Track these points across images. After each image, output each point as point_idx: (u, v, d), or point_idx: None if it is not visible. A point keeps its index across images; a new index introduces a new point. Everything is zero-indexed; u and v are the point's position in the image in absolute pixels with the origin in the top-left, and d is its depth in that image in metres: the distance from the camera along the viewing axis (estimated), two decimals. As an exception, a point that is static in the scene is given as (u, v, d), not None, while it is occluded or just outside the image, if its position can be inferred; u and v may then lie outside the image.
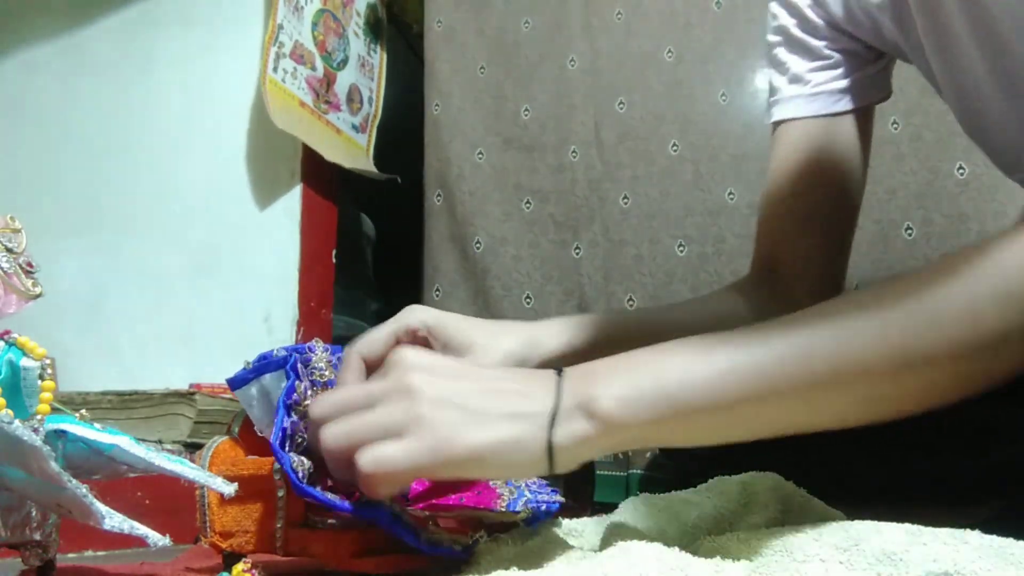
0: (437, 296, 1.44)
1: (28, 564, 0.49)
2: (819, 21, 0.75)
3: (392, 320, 0.57)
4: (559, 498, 0.60)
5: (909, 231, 1.22)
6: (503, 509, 0.55)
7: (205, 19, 1.40)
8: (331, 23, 1.43)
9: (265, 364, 0.52)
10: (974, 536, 0.39)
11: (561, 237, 1.40)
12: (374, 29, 1.57)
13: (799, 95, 0.76)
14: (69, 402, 0.98)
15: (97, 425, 0.50)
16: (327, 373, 0.53)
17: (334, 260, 1.44)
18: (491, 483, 0.58)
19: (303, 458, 0.47)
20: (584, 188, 1.40)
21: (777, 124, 0.78)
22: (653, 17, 1.42)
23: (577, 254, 1.39)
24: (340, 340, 1.49)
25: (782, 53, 0.78)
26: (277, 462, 0.46)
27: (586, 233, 1.39)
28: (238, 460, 0.52)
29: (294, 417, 0.49)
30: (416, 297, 1.47)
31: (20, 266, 0.49)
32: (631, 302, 1.35)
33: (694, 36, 1.40)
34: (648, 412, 0.43)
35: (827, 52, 0.75)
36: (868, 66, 0.76)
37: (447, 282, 1.44)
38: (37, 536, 0.48)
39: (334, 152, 1.37)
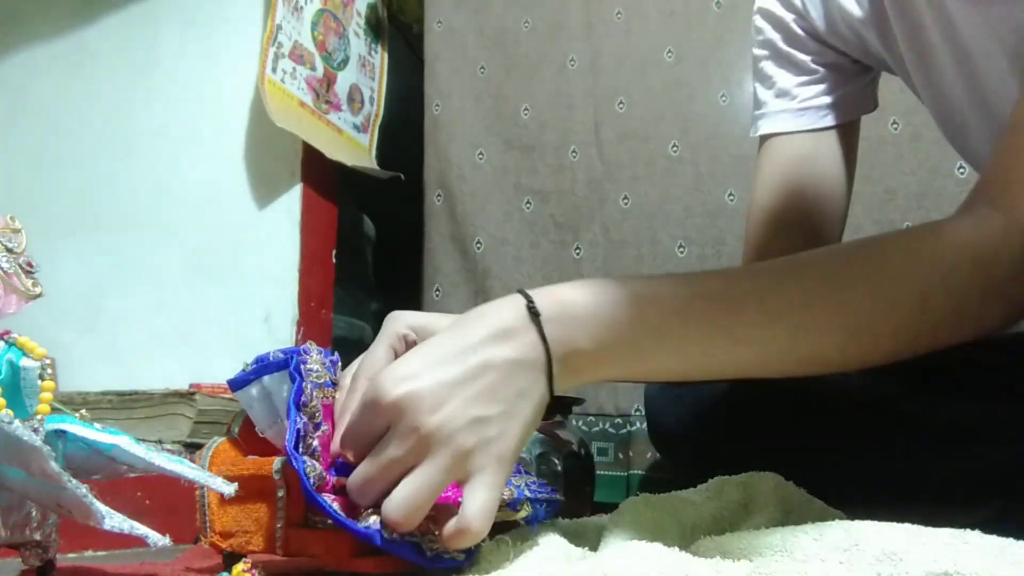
0: (437, 296, 1.44)
1: (28, 564, 0.49)
2: (804, 35, 0.76)
3: (381, 334, 0.58)
4: (559, 497, 0.60)
5: (909, 231, 1.22)
6: (503, 508, 0.55)
7: (205, 19, 1.40)
8: (331, 23, 1.43)
9: (265, 366, 0.52)
10: (974, 536, 0.39)
11: (561, 237, 1.40)
12: (375, 29, 1.57)
13: (785, 110, 0.76)
14: (69, 402, 0.98)
15: (97, 425, 0.50)
16: (323, 375, 0.53)
17: (334, 260, 1.44)
18: None
19: (315, 463, 0.47)
20: (584, 188, 1.40)
21: (763, 137, 0.78)
22: (653, 17, 1.42)
23: (578, 254, 1.39)
24: (340, 340, 1.49)
25: (768, 67, 0.78)
26: (291, 464, 0.47)
27: (586, 233, 1.39)
28: (238, 460, 0.52)
29: (304, 417, 0.49)
30: (416, 297, 1.47)
31: (20, 266, 0.49)
32: (631, 302, 1.35)
33: (694, 36, 1.40)
34: (620, 362, 0.47)
35: (813, 67, 0.76)
36: (854, 80, 0.76)
37: (447, 282, 1.44)
38: (37, 536, 0.48)
39: (336, 151, 1.37)
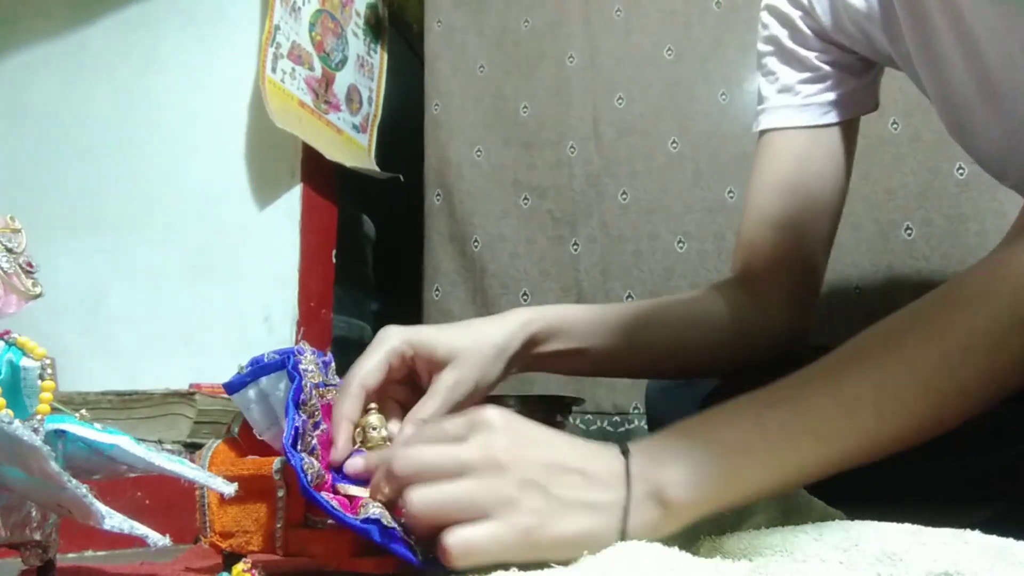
0: (437, 295, 1.44)
1: (28, 564, 0.49)
2: (810, 32, 0.76)
3: (376, 346, 0.58)
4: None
5: (909, 231, 1.22)
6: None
7: (205, 19, 1.40)
8: (329, 23, 1.43)
9: (262, 367, 0.53)
10: (974, 536, 0.39)
11: (559, 233, 1.40)
12: (374, 29, 1.57)
13: (788, 105, 0.76)
14: (69, 402, 0.98)
15: (97, 425, 0.50)
16: (317, 375, 0.54)
17: (334, 260, 1.44)
18: None
19: (312, 459, 0.47)
20: (582, 183, 1.40)
21: (763, 132, 0.78)
22: (653, 15, 1.42)
23: (575, 250, 1.39)
24: (340, 340, 1.49)
25: (772, 63, 0.79)
26: (288, 462, 0.47)
27: (584, 228, 1.39)
28: (237, 460, 0.52)
29: (303, 416, 0.49)
30: (416, 296, 1.47)
31: (20, 266, 0.49)
32: (630, 298, 1.35)
33: (694, 35, 1.40)
34: (713, 491, 0.45)
35: (817, 64, 0.76)
36: (857, 78, 0.76)
37: (447, 281, 1.44)
38: (37, 536, 0.48)
39: (335, 151, 1.37)
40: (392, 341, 0.58)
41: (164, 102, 1.39)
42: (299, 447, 0.48)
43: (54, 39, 1.44)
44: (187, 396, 1.06)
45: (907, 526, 0.41)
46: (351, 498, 0.49)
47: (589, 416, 1.33)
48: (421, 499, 0.43)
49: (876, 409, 0.45)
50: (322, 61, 1.40)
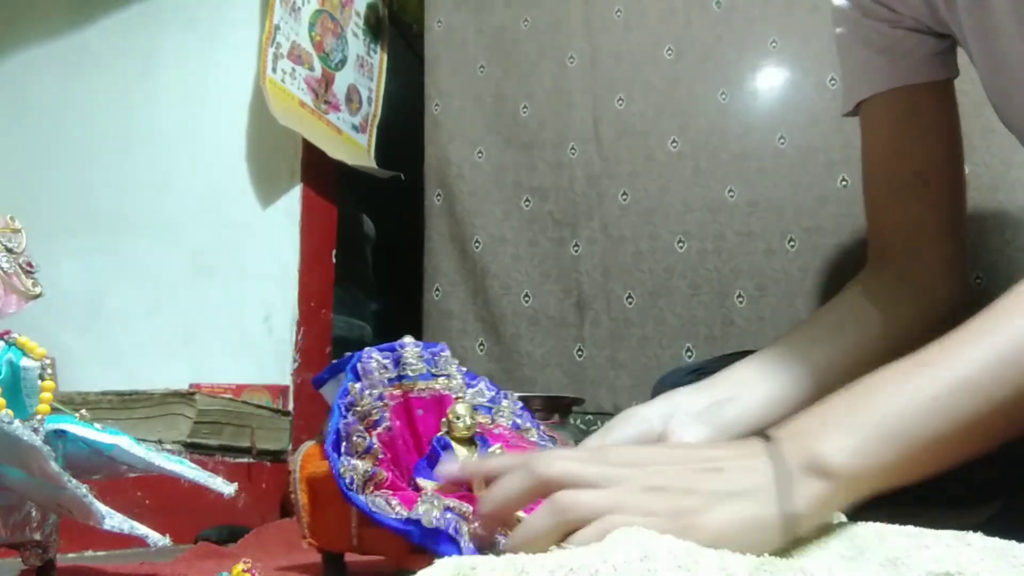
0: (437, 295, 1.43)
1: (28, 564, 0.49)
2: (879, 6, 0.75)
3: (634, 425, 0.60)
4: None
5: (909, 231, 1.22)
6: None
7: (205, 19, 1.40)
8: (329, 23, 1.43)
9: (340, 363, 0.53)
10: (976, 538, 0.39)
11: (560, 234, 1.40)
12: (374, 29, 1.57)
13: (877, 70, 0.75)
14: (69, 402, 0.98)
15: (97, 425, 0.50)
16: (418, 367, 0.54)
17: (334, 260, 1.44)
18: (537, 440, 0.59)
19: (356, 462, 0.47)
20: (583, 185, 1.40)
21: (861, 108, 0.77)
22: (653, 15, 1.42)
23: (576, 251, 1.39)
24: (340, 340, 1.49)
25: (852, 44, 0.77)
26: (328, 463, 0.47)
27: (585, 230, 1.39)
28: (323, 461, 0.52)
29: (350, 418, 0.49)
30: (416, 296, 1.47)
31: (20, 266, 0.49)
32: (630, 299, 1.35)
33: (694, 34, 1.40)
34: (878, 456, 0.42)
35: (892, 31, 0.74)
36: (933, 45, 0.75)
37: (447, 282, 1.44)
38: (37, 536, 0.48)
39: (336, 150, 1.37)
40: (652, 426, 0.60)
41: (164, 102, 1.39)
42: (343, 449, 0.48)
43: (54, 39, 1.44)
44: (187, 396, 1.06)
45: (909, 528, 0.41)
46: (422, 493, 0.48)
47: (589, 416, 1.33)
48: (574, 502, 0.41)
49: None
50: (322, 61, 1.40)
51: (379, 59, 1.58)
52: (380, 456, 0.49)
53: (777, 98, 1.35)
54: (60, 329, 1.29)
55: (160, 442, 0.99)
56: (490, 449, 0.51)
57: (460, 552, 0.44)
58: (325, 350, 1.39)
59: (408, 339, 0.55)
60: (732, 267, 1.31)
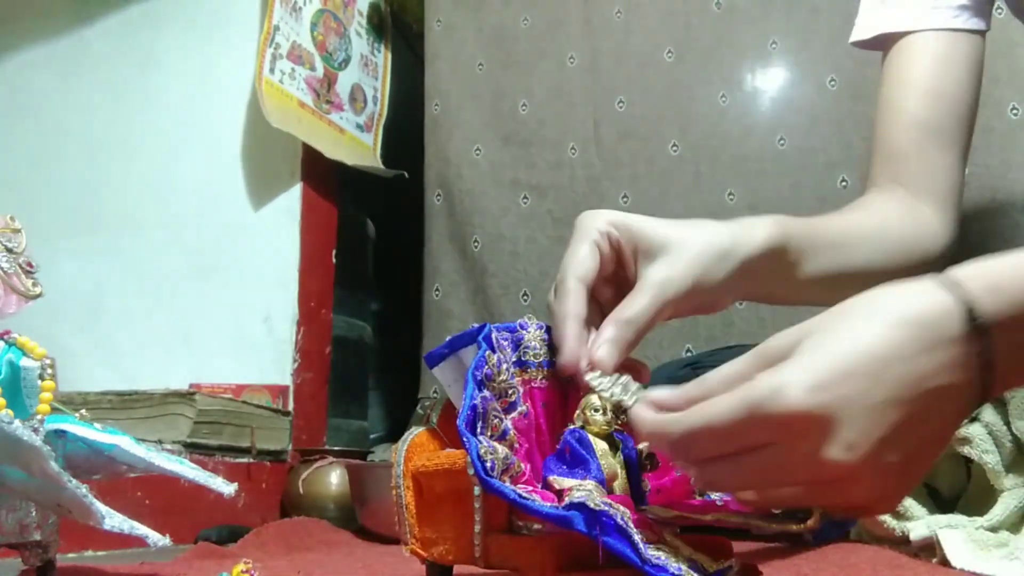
0: (437, 295, 1.43)
1: (28, 564, 0.49)
2: None
3: (581, 234, 0.50)
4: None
5: (909, 231, 1.22)
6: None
7: (204, 19, 1.40)
8: (331, 23, 1.43)
9: (459, 337, 0.45)
10: None
11: (559, 233, 1.40)
12: (377, 28, 1.57)
13: (919, 5, 0.73)
14: (69, 402, 0.98)
15: (97, 425, 0.50)
16: (541, 352, 0.47)
17: (334, 260, 1.43)
18: None
19: (497, 445, 0.40)
20: (583, 185, 1.40)
21: (889, 40, 0.75)
22: (653, 16, 1.42)
23: (577, 253, 1.39)
24: (340, 340, 1.49)
25: None
26: (464, 447, 0.39)
27: (586, 232, 1.39)
28: (433, 454, 0.46)
29: (487, 393, 0.42)
30: (416, 296, 1.47)
31: (20, 266, 0.49)
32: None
33: (694, 36, 1.39)
34: None
35: None
36: None
37: (447, 281, 1.44)
38: (37, 536, 0.48)
39: (336, 150, 1.37)
40: (596, 224, 0.50)
41: (164, 102, 1.39)
42: (479, 429, 0.40)
43: (54, 39, 1.44)
44: (187, 396, 1.06)
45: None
46: (562, 492, 0.40)
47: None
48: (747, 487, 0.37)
49: None
50: (324, 61, 1.40)
51: (383, 58, 1.58)
52: (516, 445, 0.42)
53: (777, 99, 1.34)
54: (60, 329, 1.29)
55: (160, 442, 0.99)
56: (640, 446, 0.44)
57: (632, 546, 0.36)
58: (325, 350, 1.40)
59: (530, 319, 0.48)
60: (732, 267, 1.30)
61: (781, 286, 0.58)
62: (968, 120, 0.74)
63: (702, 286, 0.49)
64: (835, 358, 0.35)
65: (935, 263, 0.70)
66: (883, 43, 0.76)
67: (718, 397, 0.36)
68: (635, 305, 0.47)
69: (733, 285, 0.51)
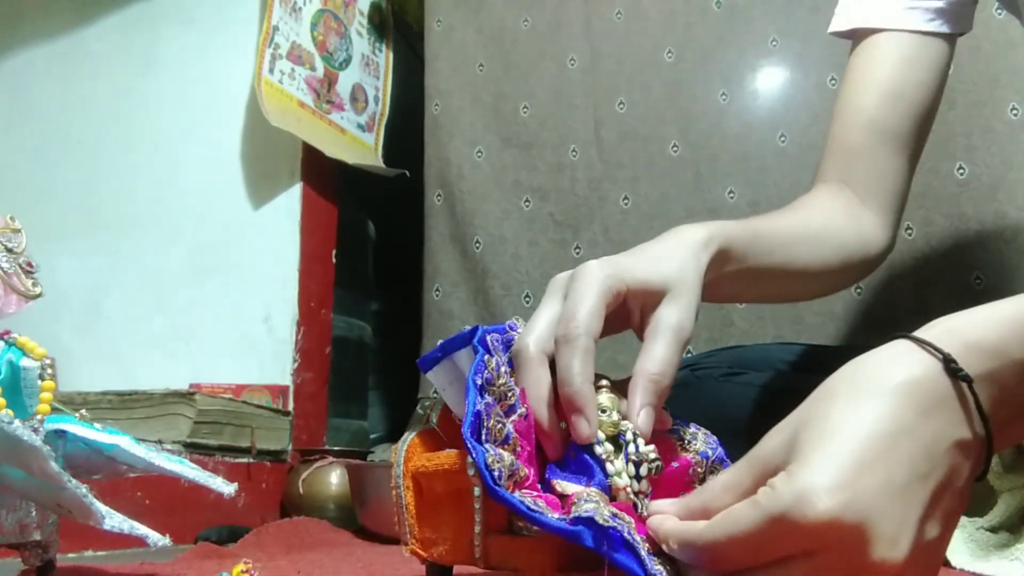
0: (437, 296, 1.43)
1: (28, 564, 0.49)
2: None
3: (586, 285, 0.45)
4: None
5: (909, 231, 1.22)
6: None
7: (204, 19, 1.40)
8: (332, 23, 1.43)
9: (451, 340, 0.45)
10: None
11: (561, 236, 1.40)
12: (379, 28, 1.57)
13: (892, 4, 0.73)
14: (69, 402, 0.98)
15: (97, 425, 0.50)
16: None
17: (334, 260, 1.43)
18: None
19: (502, 452, 0.39)
20: (584, 187, 1.40)
21: (859, 36, 0.75)
22: (653, 17, 1.42)
23: (577, 254, 1.39)
24: (340, 340, 1.49)
25: None
26: (469, 456, 0.38)
27: (586, 233, 1.39)
28: (432, 455, 0.45)
29: (488, 398, 0.41)
30: (416, 296, 1.47)
31: (20, 266, 0.49)
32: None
33: (694, 36, 1.40)
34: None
35: None
36: None
37: (447, 282, 1.44)
38: (37, 536, 0.48)
39: (337, 150, 1.37)
40: (602, 277, 0.45)
41: (164, 102, 1.39)
42: (483, 436, 0.39)
43: (54, 39, 1.44)
44: (187, 396, 1.06)
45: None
46: (565, 497, 0.40)
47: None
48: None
49: None
50: (324, 61, 1.40)
51: (384, 58, 1.58)
52: (518, 448, 0.41)
53: (778, 97, 1.35)
54: (60, 329, 1.29)
55: (160, 442, 0.99)
56: (643, 449, 0.43)
57: (639, 562, 0.36)
58: (325, 350, 1.40)
59: (519, 320, 0.48)
60: (732, 267, 1.30)
61: (724, 289, 0.59)
62: (925, 125, 0.74)
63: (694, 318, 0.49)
64: (844, 450, 0.33)
65: (872, 264, 0.73)
66: (854, 36, 0.76)
67: (737, 507, 0.35)
68: (658, 354, 0.45)
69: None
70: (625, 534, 0.36)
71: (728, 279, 0.57)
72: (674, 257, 0.50)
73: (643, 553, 0.36)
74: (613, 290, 0.45)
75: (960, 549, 0.63)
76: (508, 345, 0.46)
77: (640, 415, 0.43)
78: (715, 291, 0.56)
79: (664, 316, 0.47)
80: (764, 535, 0.33)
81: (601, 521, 0.35)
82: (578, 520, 0.36)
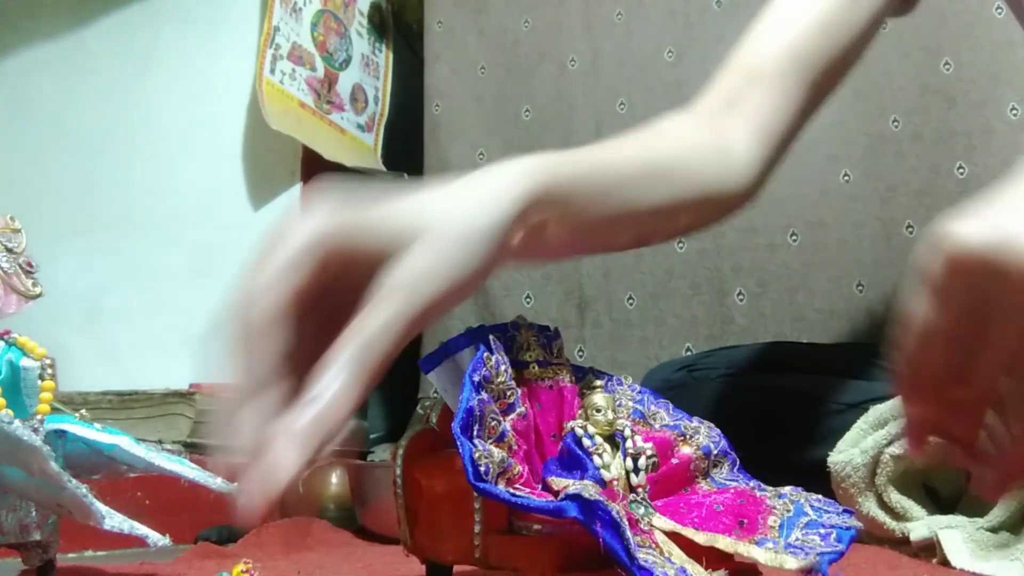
0: (437, 296, 1.43)
1: (28, 564, 0.49)
2: None
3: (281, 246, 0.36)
4: (855, 523, 0.46)
5: (910, 229, 1.22)
6: (774, 526, 0.43)
7: (204, 19, 1.40)
8: (332, 23, 1.43)
9: (454, 340, 0.44)
10: None
11: (561, 237, 1.40)
12: (379, 28, 1.56)
13: None
14: (69, 402, 0.98)
15: (97, 425, 0.50)
16: (536, 352, 0.46)
17: (334, 260, 1.43)
18: (758, 491, 0.45)
19: (493, 448, 0.39)
20: (584, 188, 1.40)
21: None
22: (653, 17, 1.42)
23: (577, 254, 1.39)
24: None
25: None
26: (458, 451, 0.38)
27: (586, 233, 1.39)
28: (433, 454, 0.45)
29: (484, 395, 0.40)
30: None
31: (20, 266, 0.49)
32: (631, 300, 1.35)
33: (694, 36, 1.39)
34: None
35: None
36: None
37: (447, 282, 1.44)
38: (37, 536, 0.48)
39: (336, 151, 1.37)
40: (302, 236, 0.35)
41: (164, 102, 1.39)
42: (476, 432, 0.39)
43: (54, 39, 1.44)
44: (187, 396, 1.06)
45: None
46: (559, 493, 0.40)
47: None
48: None
49: None
50: (325, 61, 1.40)
51: (384, 58, 1.58)
52: (514, 447, 0.41)
53: (777, 98, 1.34)
54: (60, 329, 1.29)
55: (160, 442, 0.99)
56: (641, 445, 0.43)
57: (623, 546, 0.36)
58: (325, 350, 1.39)
59: (521, 319, 0.47)
60: (732, 265, 1.30)
61: (556, 237, 0.48)
62: (837, 78, 0.68)
63: (459, 279, 0.38)
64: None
65: (736, 202, 0.63)
66: None
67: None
68: (375, 320, 0.34)
69: (497, 264, 0.41)
70: (613, 514, 0.36)
71: (558, 224, 0.47)
72: (455, 198, 0.43)
73: (628, 534, 0.36)
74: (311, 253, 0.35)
75: (960, 549, 0.63)
76: (510, 345, 0.45)
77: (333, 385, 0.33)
78: (543, 242, 0.47)
79: (396, 277, 0.36)
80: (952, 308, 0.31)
81: (587, 495, 0.36)
82: (565, 497, 0.36)
